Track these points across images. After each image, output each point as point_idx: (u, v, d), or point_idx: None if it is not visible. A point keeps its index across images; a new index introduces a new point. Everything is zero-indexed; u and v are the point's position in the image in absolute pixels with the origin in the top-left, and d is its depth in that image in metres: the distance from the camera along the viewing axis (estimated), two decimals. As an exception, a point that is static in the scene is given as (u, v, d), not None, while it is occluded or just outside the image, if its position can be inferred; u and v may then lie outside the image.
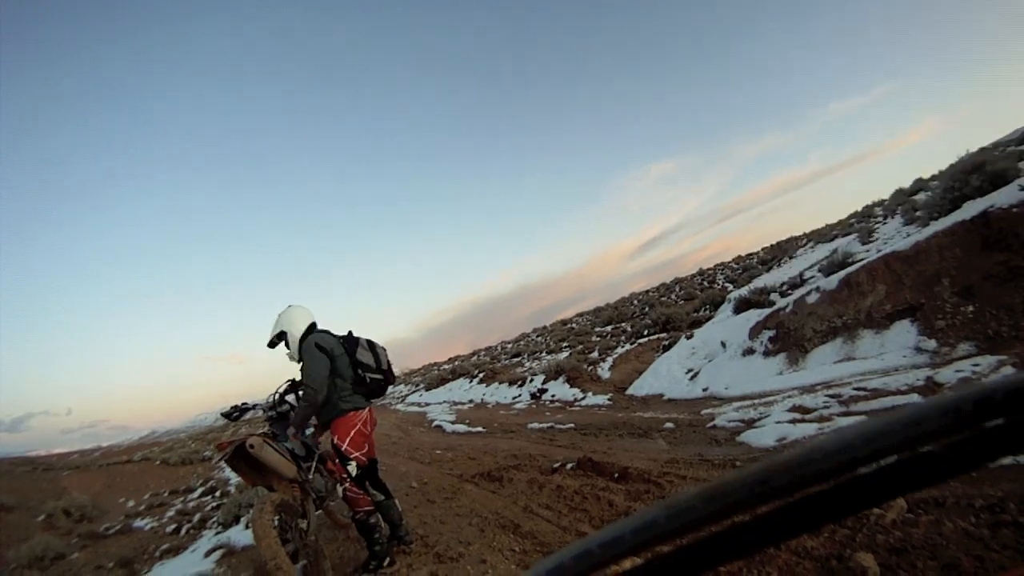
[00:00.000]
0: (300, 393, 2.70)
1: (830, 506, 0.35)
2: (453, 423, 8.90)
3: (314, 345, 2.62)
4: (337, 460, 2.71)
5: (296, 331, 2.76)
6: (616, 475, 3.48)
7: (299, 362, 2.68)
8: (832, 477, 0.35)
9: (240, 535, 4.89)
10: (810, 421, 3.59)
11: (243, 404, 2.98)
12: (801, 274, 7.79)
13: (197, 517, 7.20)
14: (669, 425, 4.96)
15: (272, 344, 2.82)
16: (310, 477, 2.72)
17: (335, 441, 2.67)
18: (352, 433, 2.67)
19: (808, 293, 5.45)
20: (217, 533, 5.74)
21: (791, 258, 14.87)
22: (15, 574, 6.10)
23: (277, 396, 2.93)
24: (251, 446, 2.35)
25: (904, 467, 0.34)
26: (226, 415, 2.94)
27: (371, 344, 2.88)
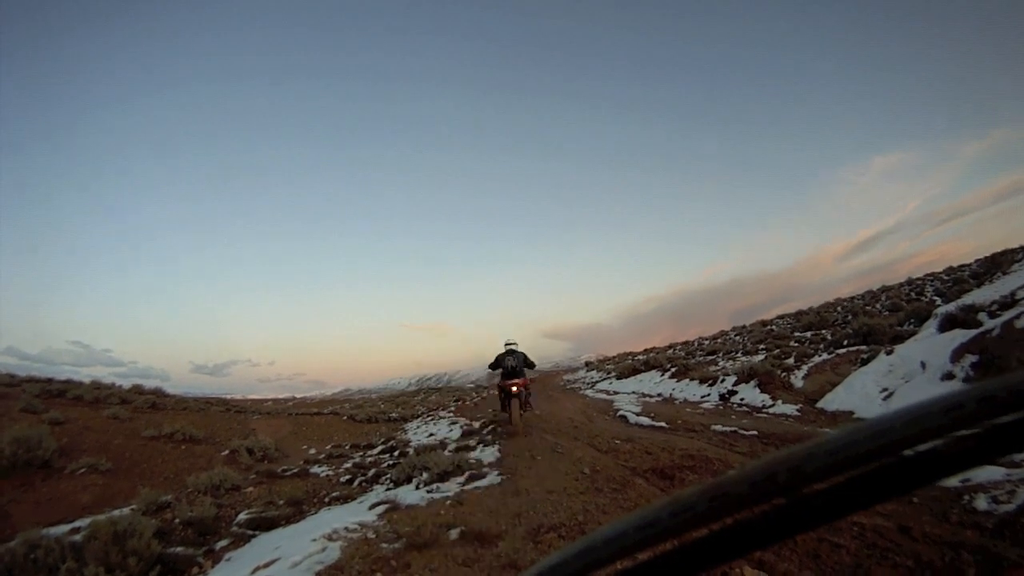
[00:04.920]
0: (505, 366, 8.33)
1: (833, 503, 0.35)
2: (637, 415, 9.12)
3: (496, 358, 8.49)
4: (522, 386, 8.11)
5: (504, 349, 8.51)
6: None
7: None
8: (835, 474, 0.35)
9: (408, 494, 5.12)
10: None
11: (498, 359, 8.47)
12: (1013, 293, 6.55)
13: (372, 472, 7.59)
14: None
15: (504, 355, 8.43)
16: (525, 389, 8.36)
17: (521, 382, 8.10)
18: (519, 380, 8.08)
19: (1018, 316, 5.14)
20: (388, 489, 5.92)
21: (1005, 273, 11.50)
22: (191, 497, 6.49)
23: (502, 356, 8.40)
24: (514, 365, 8.33)
25: (912, 462, 0.35)
26: (491, 366, 8.40)
27: (504, 355, 8.24)
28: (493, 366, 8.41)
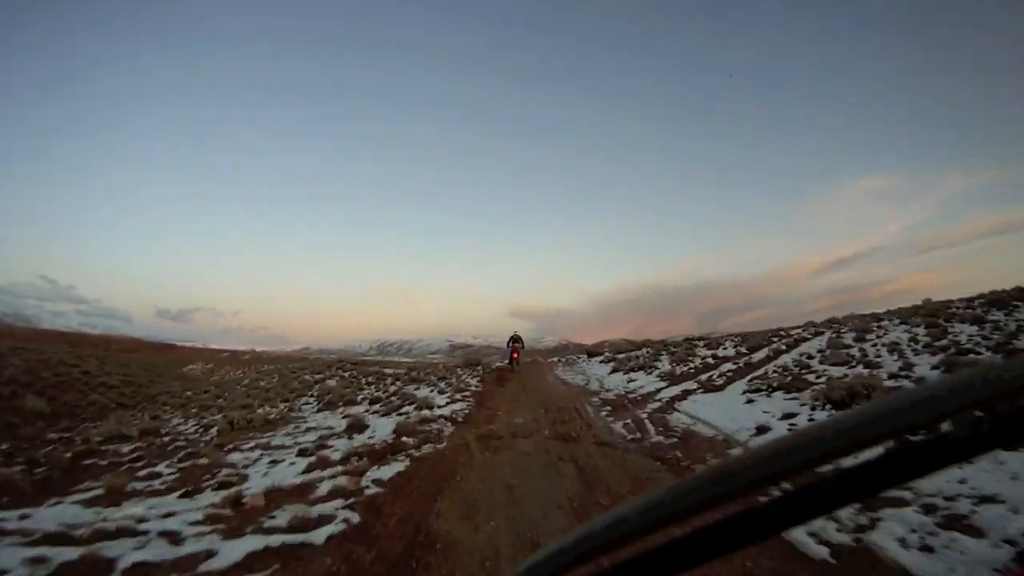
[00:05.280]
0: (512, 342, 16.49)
1: (842, 489, 0.33)
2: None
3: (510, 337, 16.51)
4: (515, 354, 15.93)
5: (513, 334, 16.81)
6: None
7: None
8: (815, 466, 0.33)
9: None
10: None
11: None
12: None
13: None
14: None
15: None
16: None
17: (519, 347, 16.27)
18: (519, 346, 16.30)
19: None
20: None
21: None
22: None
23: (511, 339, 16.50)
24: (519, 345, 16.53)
25: (918, 450, 0.33)
26: (508, 342, 16.59)
27: (513, 338, 16.56)
28: (509, 341, 16.53)
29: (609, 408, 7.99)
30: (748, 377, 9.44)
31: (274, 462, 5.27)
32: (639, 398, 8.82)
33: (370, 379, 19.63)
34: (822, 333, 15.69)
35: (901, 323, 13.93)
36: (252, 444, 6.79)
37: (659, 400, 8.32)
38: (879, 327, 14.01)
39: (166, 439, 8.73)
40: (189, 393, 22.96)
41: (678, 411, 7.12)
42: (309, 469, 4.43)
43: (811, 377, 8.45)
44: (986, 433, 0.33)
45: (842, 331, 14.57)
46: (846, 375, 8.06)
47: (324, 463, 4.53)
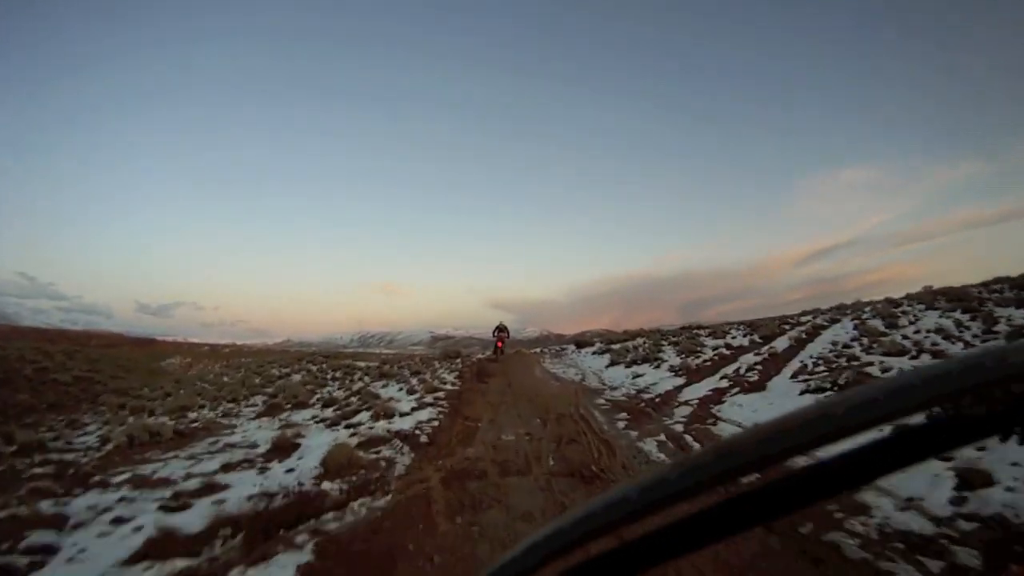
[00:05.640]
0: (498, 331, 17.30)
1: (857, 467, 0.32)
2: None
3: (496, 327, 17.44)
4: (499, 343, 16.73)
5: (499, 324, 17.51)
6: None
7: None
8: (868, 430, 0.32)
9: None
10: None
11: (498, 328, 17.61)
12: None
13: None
14: None
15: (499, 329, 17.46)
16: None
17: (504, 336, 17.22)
18: (504, 335, 17.15)
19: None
20: None
21: None
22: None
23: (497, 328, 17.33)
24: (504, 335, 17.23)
25: (930, 429, 0.32)
26: (494, 332, 17.32)
27: (499, 327, 17.28)
28: (494, 331, 17.16)
29: (625, 415, 6.05)
30: (786, 371, 7.73)
31: (118, 521, 3.25)
32: (657, 399, 6.97)
33: (338, 374, 17.50)
34: (838, 320, 14.19)
35: (927, 308, 12.57)
36: (126, 476, 4.74)
37: (685, 402, 6.51)
38: (902, 313, 12.60)
39: (36, 460, 6.59)
40: (146, 390, 20.60)
41: (721, 419, 5.30)
42: (133, 559, 2.47)
43: (872, 370, 6.77)
44: (1002, 412, 0.31)
45: (863, 317, 13.08)
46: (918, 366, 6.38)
47: (167, 544, 2.56)
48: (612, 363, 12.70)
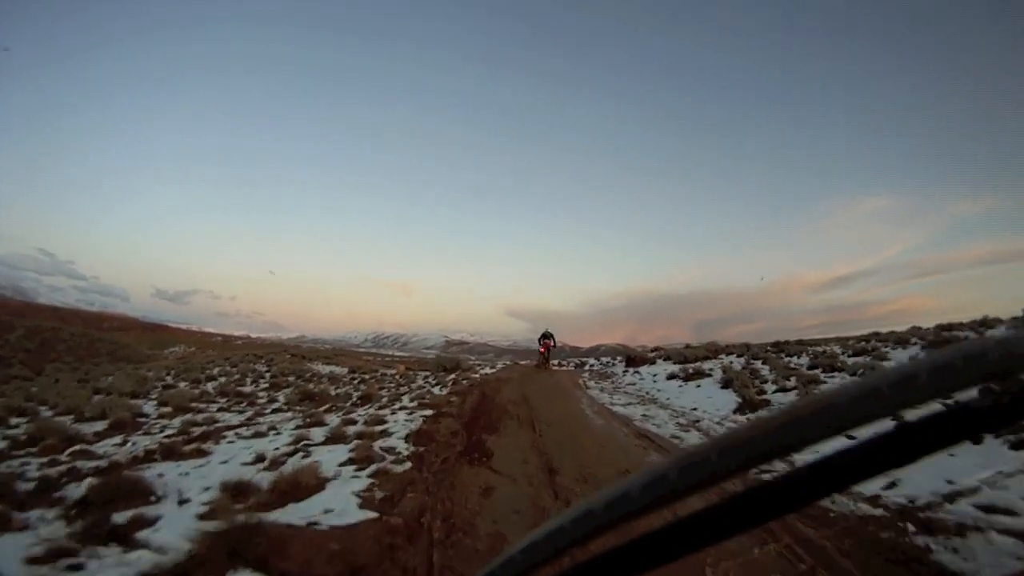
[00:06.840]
0: (543, 338, 16.96)
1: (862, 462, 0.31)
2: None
3: (542, 333, 17.09)
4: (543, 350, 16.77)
5: (544, 331, 17.30)
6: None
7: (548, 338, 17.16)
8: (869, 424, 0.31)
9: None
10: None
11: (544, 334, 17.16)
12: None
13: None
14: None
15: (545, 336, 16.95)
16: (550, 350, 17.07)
17: (548, 343, 16.97)
18: (548, 342, 16.85)
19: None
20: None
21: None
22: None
23: (543, 335, 17.23)
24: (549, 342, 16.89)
25: (943, 419, 0.31)
26: (540, 339, 16.88)
27: (544, 334, 16.84)
28: (540, 338, 16.70)
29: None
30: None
31: None
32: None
33: (291, 378, 12.82)
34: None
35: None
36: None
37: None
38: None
39: None
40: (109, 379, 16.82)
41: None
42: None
43: None
44: (1007, 404, 0.30)
45: None
46: None
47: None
48: (738, 408, 6.86)
